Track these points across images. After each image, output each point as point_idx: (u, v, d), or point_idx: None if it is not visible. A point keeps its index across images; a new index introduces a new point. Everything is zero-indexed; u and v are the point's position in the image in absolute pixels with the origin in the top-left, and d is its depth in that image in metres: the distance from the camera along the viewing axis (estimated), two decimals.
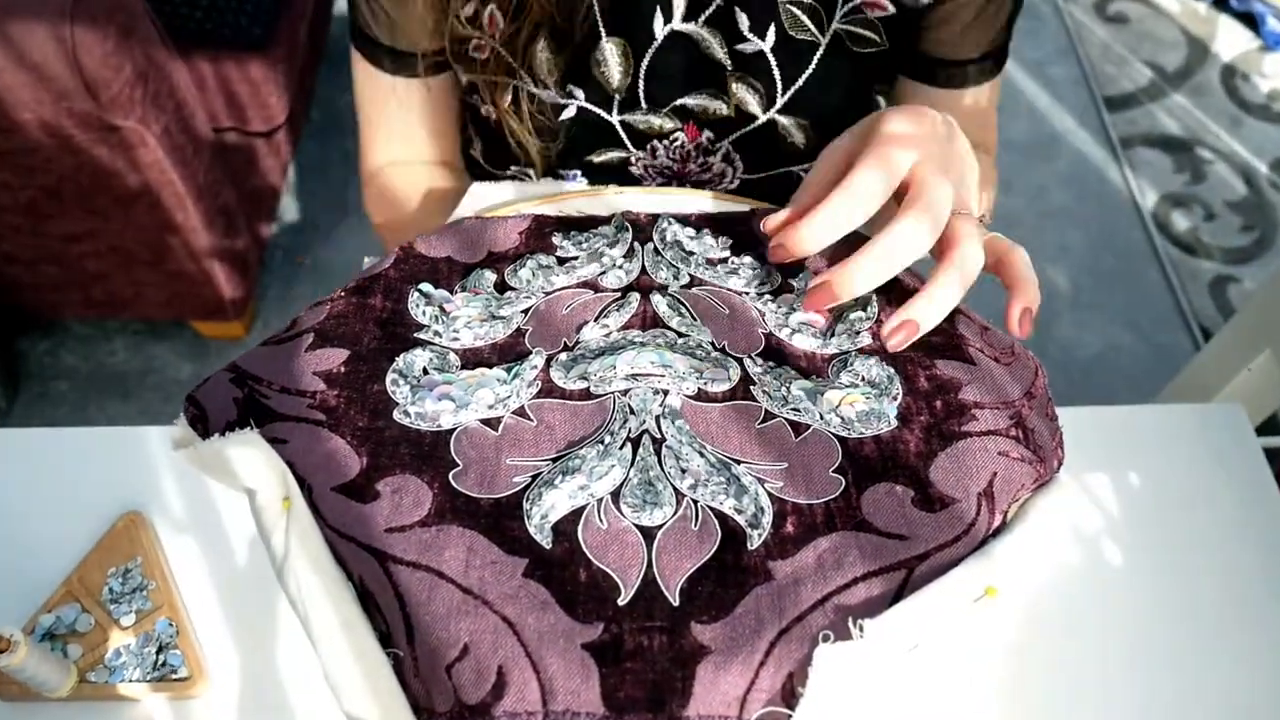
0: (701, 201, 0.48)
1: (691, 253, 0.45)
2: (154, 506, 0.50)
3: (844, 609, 0.31)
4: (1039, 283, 0.42)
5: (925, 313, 0.39)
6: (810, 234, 0.39)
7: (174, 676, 0.44)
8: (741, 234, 0.46)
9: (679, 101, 0.53)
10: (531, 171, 0.58)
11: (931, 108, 0.41)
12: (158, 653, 0.45)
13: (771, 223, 0.42)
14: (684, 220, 0.47)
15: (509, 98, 0.53)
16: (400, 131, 0.58)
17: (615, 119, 0.53)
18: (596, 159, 0.56)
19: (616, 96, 0.52)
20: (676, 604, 0.31)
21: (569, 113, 0.53)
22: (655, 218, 0.47)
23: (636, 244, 0.45)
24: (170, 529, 0.50)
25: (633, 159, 0.55)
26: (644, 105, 0.53)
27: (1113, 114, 1.73)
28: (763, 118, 0.53)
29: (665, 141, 0.54)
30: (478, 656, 0.30)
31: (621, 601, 0.32)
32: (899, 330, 0.39)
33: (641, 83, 0.52)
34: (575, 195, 0.48)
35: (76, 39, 0.89)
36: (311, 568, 0.33)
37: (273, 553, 0.34)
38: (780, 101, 0.52)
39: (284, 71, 1.32)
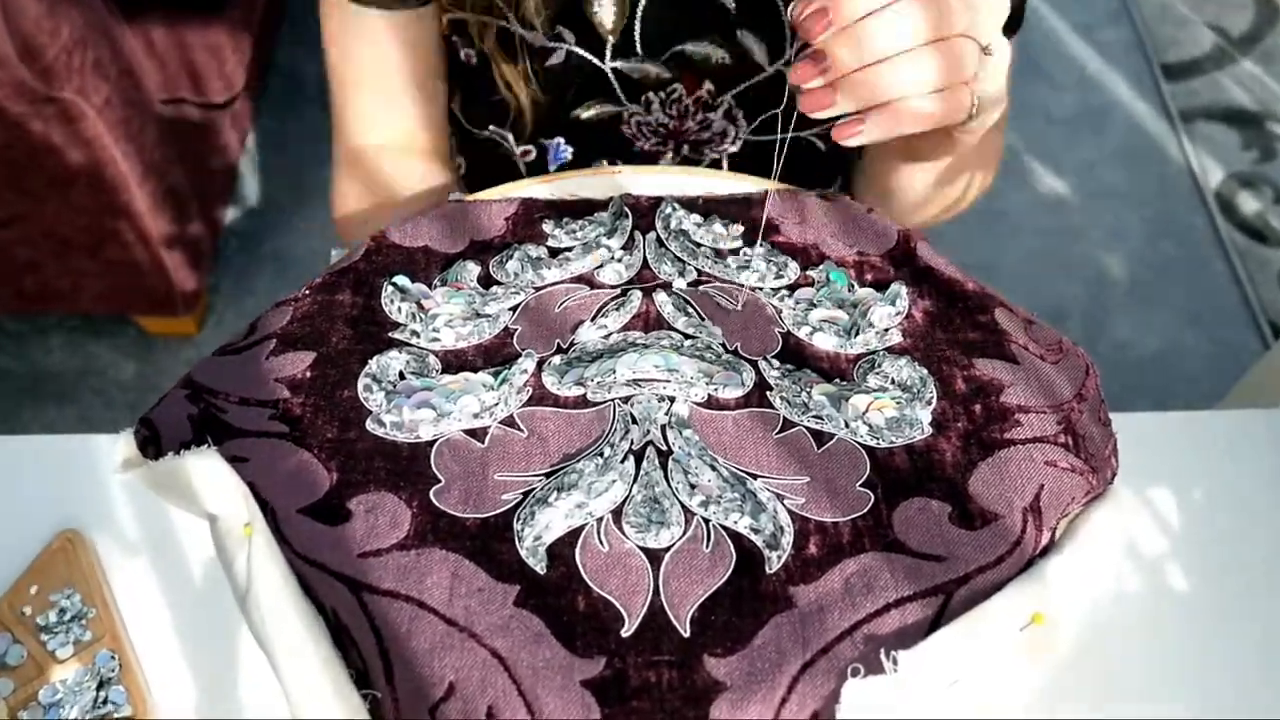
0: (710, 182, 0.49)
1: (699, 244, 0.45)
2: (94, 524, 0.50)
3: (875, 639, 0.31)
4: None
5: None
6: (845, 51, 0.38)
7: (116, 715, 0.45)
8: (754, 220, 0.47)
9: (677, 48, 0.53)
10: (511, 136, 0.59)
11: None
12: (98, 689, 0.45)
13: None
14: (690, 205, 0.47)
15: (494, 37, 0.54)
16: (383, 90, 0.58)
17: (607, 66, 0.54)
18: (585, 113, 0.56)
19: (610, 40, 0.53)
20: (687, 635, 0.32)
21: (557, 58, 0.54)
22: (658, 201, 0.47)
23: (637, 233, 0.46)
24: (113, 550, 0.50)
25: (625, 114, 0.56)
26: (639, 51, 0.53)
27: (1171, 83, 1.73)
28: (769, 69, 0.54)
29: (661, 94, 0.55)
30: (465, 696, 0.30)
31: (625, 633, 0.32)
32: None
33: (638, 25, 0.52)
34: (570, 175, 0.49)
35: None
36: (277, 601, 0.33)
37: (235, 584, 0.34)
38: (789, 52, 0.53)
39: (240, 36, 1.32)
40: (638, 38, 0.53)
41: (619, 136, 0.57)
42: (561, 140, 0.58)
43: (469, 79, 0.60)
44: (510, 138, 0.59)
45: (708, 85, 0.55)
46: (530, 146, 0.59)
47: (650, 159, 0.59)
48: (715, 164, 0.59)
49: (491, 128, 0.60)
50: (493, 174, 0.61)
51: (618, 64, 0.54)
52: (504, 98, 0.56)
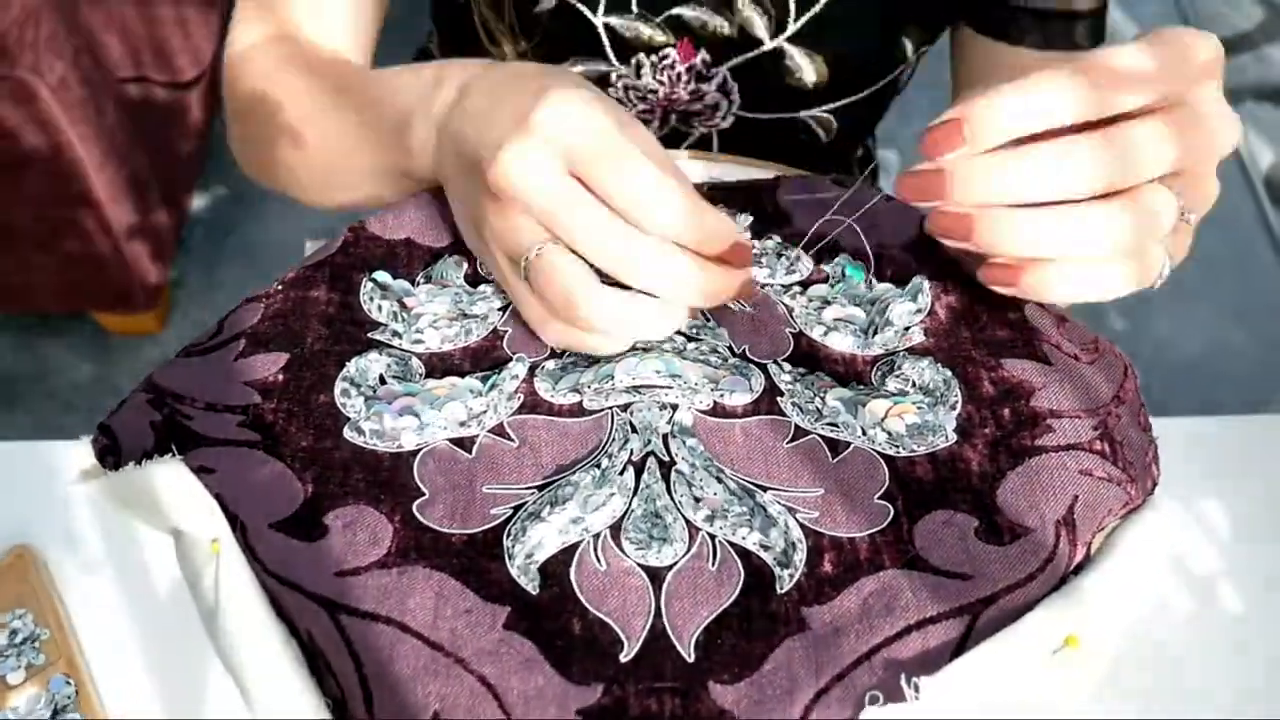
0: (717, 168, 0.49)
1: None
2: (48, 538, 0.50)
3: (895, 664, 0.31)
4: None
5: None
6: (976, 181, 0.35)
7: None
8: (764, 209, 0.47)
9: (675, 11, 0.54)
10: None
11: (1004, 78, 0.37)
12: (53, 717, 0.45)
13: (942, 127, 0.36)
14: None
15: None
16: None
17: (599, 20, 0.54)
18: (572, 70, 0.57)
19: None
20: (691, 660, 0.32)
21: (547, 4, 0.54)
22: None
23: None
24: (68, 566, 0.50)
25: (613, 75, 0.56)
26: (634, 9, 0.54)
27: None
28: (769, 44, 0.54)
29: (654, 57, 0.55)
30: None
31: (624, 657, 0.32)
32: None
33: None
34: None
35: None
36: (247, 623, 0.34)
37: (201, 605, 0.34)
38: (791, 28, 0.54)
39: (208, 7, 1.32)
40: None
41: None
42: None
43: (455, 23, 0.60)
44: None
45: (703, 54, 0.55)
46: None
47: None
48: (705, 140, 0.60)
49: None
50: None
51: (610, 19, 0.54)
52: (488, 50, 0.57)
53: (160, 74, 1.30)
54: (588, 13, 0.54)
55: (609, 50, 0.56)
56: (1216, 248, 1.51)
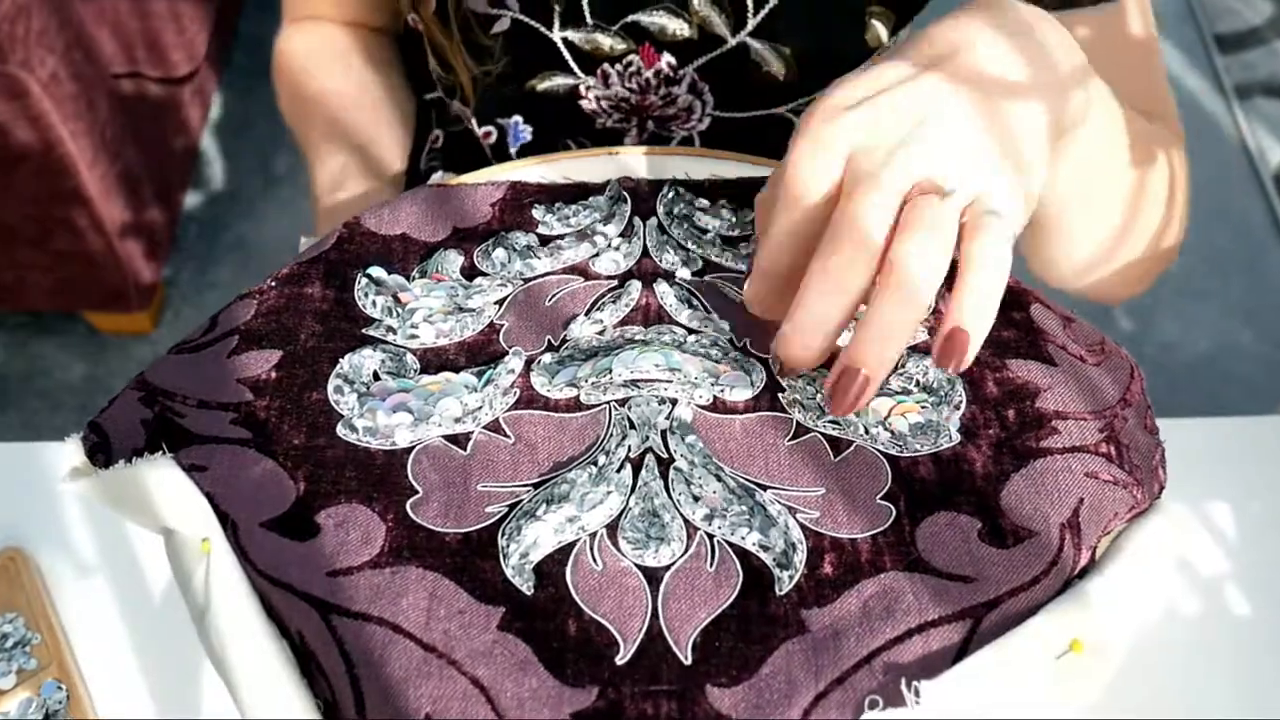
0: (716, 164, 0.49)
1: (704, 230, 0.45)
2: (39, 541, 0.50)
3: (895, 668, 0.31)
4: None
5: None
6: (801, 349, 0.36)
7: None
8: None
9: (631, 18, 0.54)
10: (473, 117, 0.59)
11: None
12: None
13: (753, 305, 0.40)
14: (695, 188, 0.47)
15: (434, 4, 0.56)
16: None
17: (556, 36, 0.54)
18: (540, 86, 0.57)
19: (557, 8, 0.53)
20: (688, 662, 0.32)
21: (501, 25, 0.54)
22: (659, 185, 0.47)
23: (636, 219, 0.46)
24: (59, 569, 0.50)
25: (582, 88, 0.56)
26: (589, 21, 0.54)
27: (1226, 56, 1.73)
28: (731, 41, 0.54)
29: (618, 66, 0.55)
30: None
31: (620, 660, 0.32)
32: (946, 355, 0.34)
33: None
34: (564, 156, 0.49)
35: None
36: (237, 623, 0.33)
37: (192, 605, 0.34)
38: (751, 23, 0.53)
39: (202, 2, 1.32)
40: (585, 5, 0.53)
41: (579, 113, 0.58)
42: (520, 119, 0.58)
43: (412, 46, 0.60)
44: (472, 117, 0.60)
45: (667, 58, 0.55)
46: (490, 128, 0.59)
47: (615, 137, 0.59)
48: (687, 142, 0.60)
49: (456, 104, 0.61)
50: (470, 156, 0.62)
51: (568, 34, 0.54)
52: (440, 74, 0.58)
53: (153, 69, 1.29)
54: (544, 30, 0.54)
55: (572, 64, 0.56)
56: (1225, 246, 1.51)
